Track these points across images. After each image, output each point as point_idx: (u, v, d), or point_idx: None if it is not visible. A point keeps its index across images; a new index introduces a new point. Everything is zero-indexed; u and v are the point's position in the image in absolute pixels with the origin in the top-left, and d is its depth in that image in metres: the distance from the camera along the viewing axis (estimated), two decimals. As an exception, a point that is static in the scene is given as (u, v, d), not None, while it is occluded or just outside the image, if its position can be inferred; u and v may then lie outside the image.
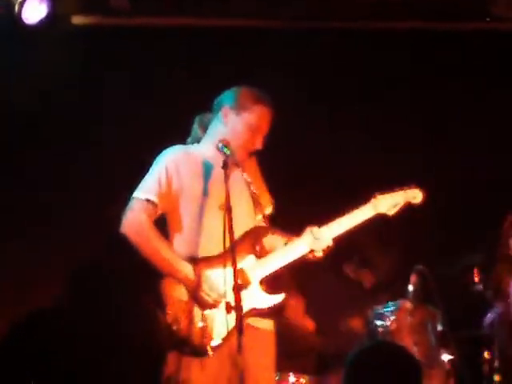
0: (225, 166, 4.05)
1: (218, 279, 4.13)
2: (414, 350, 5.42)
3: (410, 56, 6.62)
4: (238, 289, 3.79)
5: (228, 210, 3.91)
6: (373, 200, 4.44)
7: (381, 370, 3.34)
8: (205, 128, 4.51)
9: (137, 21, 6.50)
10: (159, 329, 4.07)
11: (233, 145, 4.27)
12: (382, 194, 4.47)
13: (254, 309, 4.21)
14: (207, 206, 4.25)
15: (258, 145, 4.41)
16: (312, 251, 4.33)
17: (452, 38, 6.61)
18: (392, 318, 5.56)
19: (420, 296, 5.65)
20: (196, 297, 4.12)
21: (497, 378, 5.42)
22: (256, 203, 4.37)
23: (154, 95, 6.30)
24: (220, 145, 4.20)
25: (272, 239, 4.43)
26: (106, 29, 6.47)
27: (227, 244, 3.95)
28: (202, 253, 4.20)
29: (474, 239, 6.01)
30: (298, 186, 6.16)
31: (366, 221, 4.41)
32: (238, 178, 4.35)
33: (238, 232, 4.17)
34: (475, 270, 5.67)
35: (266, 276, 4.27)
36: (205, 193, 4.28)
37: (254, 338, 4.14)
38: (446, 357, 5.54)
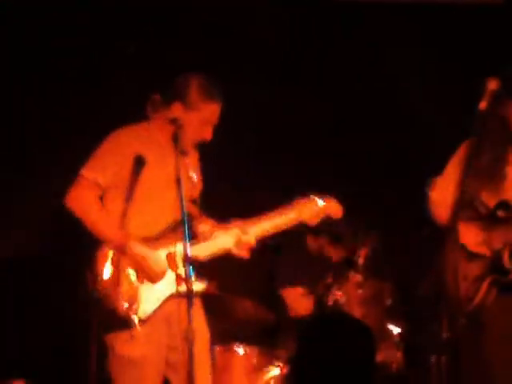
0: None
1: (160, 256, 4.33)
2: (363, 323, 5.39)
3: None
4: (188, 262, 4.03)
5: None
6: (296, 205, 4.57)
7: (333, 340, 3.28)
8: (155, 108, 4.51)
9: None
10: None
11: (181, 135, 4.35)
12: (304, 200, 4.60)
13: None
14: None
15: (207, 135, 4.47)
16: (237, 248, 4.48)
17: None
18: (341, 290, 5.54)
19: (370, 269, 5.64)
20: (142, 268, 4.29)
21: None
22: (191, 187, 4.48)
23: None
24: None
25: (202, 227, 4.55)
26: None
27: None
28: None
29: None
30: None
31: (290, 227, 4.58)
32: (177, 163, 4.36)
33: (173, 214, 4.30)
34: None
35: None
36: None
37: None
38: (394, 330, 5.54)
